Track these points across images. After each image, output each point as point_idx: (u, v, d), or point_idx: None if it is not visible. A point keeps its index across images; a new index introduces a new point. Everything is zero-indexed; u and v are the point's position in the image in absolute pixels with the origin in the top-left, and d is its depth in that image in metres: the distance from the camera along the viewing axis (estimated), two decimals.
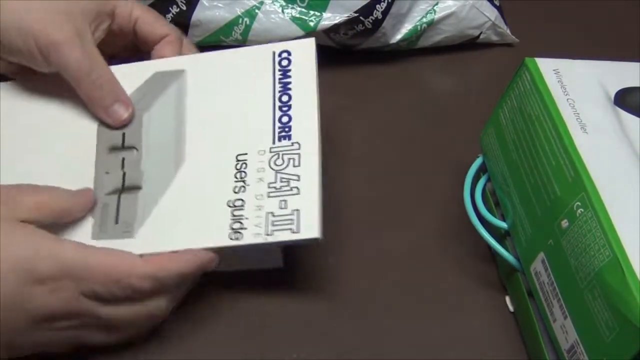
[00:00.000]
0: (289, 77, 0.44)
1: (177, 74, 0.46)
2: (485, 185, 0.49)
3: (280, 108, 0.43)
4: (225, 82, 0.46)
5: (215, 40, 0.58)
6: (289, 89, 0.44)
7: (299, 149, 0.42)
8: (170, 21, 0.56)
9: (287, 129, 0.42)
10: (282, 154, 0.42)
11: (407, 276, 0.47)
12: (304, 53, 0.45)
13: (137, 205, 0.41)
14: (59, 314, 0.36)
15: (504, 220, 0.46)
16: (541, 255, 0.40)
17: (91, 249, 0.37)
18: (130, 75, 0.46)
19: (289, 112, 0.43)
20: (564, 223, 0.38)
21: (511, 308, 0.46)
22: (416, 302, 0.46)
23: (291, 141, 0.42)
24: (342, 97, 0.60)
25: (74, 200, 0.40)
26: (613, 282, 0.34)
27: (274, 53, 0.46)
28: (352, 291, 0.46)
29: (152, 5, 0.56)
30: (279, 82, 0.44)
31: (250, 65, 0.46)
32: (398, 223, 0.50)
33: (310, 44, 0.46)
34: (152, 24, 0.47)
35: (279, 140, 0.42)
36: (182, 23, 0.57)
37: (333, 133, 0.57)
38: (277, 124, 0.43)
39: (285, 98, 0.44)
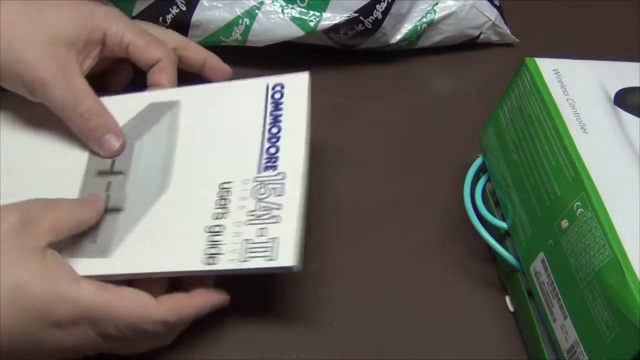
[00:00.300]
0: (281, 109, 0.45)
1: (172, 105, 0.47)
2: (485, 185, 0.49)
3: (269, 139, 0.44)
4: (218, 113, 0.46)
5: (216, 41, 0.58)
6: (280, 121, 0.44)
7: (283, 179, 0.42)
8: (171, 22, 0.56)
9: (273, 160, 0.43)
10: (266, 184, 0.42)
11: (407, 276, 0.47)
12: (298, 87, 0.45)
13: (117, 226, 0.42)
14: (71, 348, 0.37)
15: (503, 220, 0.46)
16: (541, 255, 0.40)
17: (109, 291, 0.37)
18: (124, 106, 0.46)
19: (277, 144, 0.43)
20: (564, 223, 0.38)
21: (511, 308, 0.46)
22: (416, 302, 0.46)
23: (276, 172, 0.42)
24: (342, 97, 0.60)
25: (85, 211, 0.40)
26: (613, 282, 0.34)
27: (267, 86, 0.46)
28: (352, 291, 0.46)
29: (152, 6, 0.56)
30: (270, 115, 0.44)
31: (243, 97, 0.46)
32: (398, 223, 0.50)
33: (304, 78, 0.46)
34: (144, 49, 0.46)
35: (265, 170, 0.42)
36: (182, 23, 0.57)
37: (333, 133, 0.57)
38: (264, 155, 0.43)
39: (274, 130, 0.44)
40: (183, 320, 0.39)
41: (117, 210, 0.42)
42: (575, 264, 0.37)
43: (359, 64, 0.63)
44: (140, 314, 0.37)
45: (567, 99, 0.42)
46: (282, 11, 0.56)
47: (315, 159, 0.54)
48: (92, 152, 0.45)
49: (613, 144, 0.40)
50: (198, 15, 0.56)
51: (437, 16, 0.62)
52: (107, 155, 0.44)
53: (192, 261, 0.40)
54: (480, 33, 0.65)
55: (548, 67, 0.44)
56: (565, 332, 0.38)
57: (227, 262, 0.40)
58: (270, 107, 0.45)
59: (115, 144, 0.44)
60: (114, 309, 0.36)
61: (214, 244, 0.40)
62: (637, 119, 0.42)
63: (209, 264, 0.40)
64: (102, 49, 0.45)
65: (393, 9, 0.59)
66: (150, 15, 0.56)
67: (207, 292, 0.40)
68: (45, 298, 0.35)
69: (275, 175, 0.42)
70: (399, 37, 0.61)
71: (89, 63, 0.44)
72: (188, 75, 0.52)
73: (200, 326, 0.43)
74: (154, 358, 0.41)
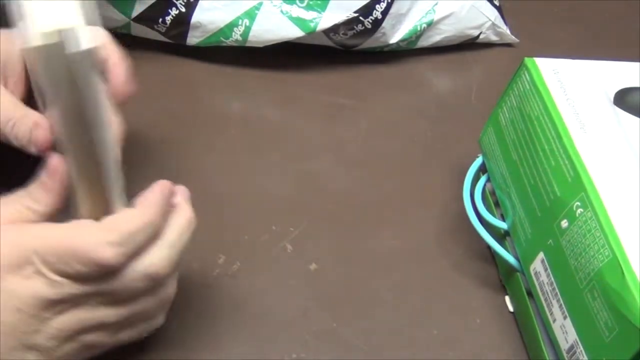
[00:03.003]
0: None
1: None
2: (485, 185, 0.49)
3: None
4: None
5: (216, 42, 0.58)
6: None
7: None
8: (170, 23, 0.56)
9: None
10: None
11: (407, 276, 0.47)
12: None
13: None
14: (46, 299, 0.34)
15: (503, 220, 0.46)
16: (541, 255, 0.40)
17: (53, 228, 0.35)
18: None
19: None
20: (564, 223, 0.38)
21: (511, 308, 0.46)
22: (416, 302, 0.46)
23: None
24: (342, 97, 0.60)
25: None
26: (612, 282, 0.34)
27: None
28: (352, 291, 0.46)
29: (151, 7, 0.56)
30: None
31: None
32: (398, 223, 0.50)
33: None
34: None
35: None
36: (182, 24, 0.57)
37: (333, 133, 0.57)
38: None
39: None
40: (133, 234, 0.35)
41: None
42: (575, 264, 0.37)
43: (359, 64, 0.63)
44: (81, 243, 0.34)
45: (567, 99, 0.42)
46: (282, 12, 0.56)
47: (316, 158, 0.55)
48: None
49: (612, 144, 0.40)
50: (198, 16, 0.56)
51: (436, 16, 0.62)
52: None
53: None
54: (480, 33, 0.65)
55: (548, 67, 0.44)
56: (565, 332, 0.38)
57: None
58: None
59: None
60: (53, 242, 0.34)
61: None
62: (636, 118, 0.42)
63: None
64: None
65: (393, 9, 0.59)
66: (150, 16, 0.56)
67: (146, 195, 0.37)
68: None
69: None
70: (398, 37, 0.61)
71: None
72: None
73: (200, 326, 0.43)
74: (152, 355, 0.41)
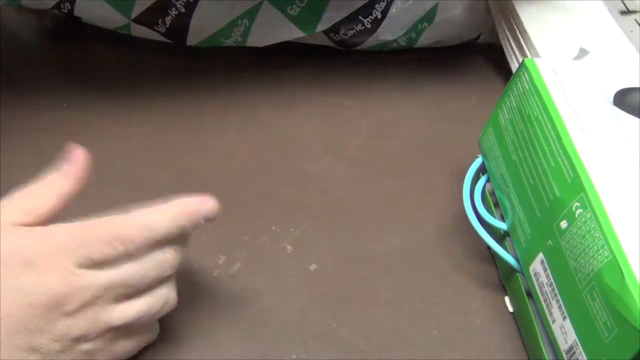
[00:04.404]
0: None
1: None
2: (484, 185, 0.49)
3: None
4: None
5: (215, 42, 0.58)
6: None
7: None
8: (169, 24, 0.56)
9: None
10: None
11: (407, 276, 0.47)
12: None
13: None
14: (62, 296, 0.34)
15: (503, 220, 0.46)
16: (540, 256, 0.40)
17: (76, 222, 0.36)
18: None
19: None
20: (563, 224, 0.38)
21: (510, 309, 0.46)
22: (416, 302, 0.46)
23: None
24: (342, 97, 0.60)
25: (55, 199, 0.38)
26: (612, 284, 0.34)
27: None
28: (352, 291, 0.46)
29: (150, 8, 0.56)
30: None
31: None
32: (398, 223, 0.50)
33: None
34: None
35: None
36: (181, 25, 0.57)
37: (333, 133, 0.57)
38: None
39: None
40: (162, 220, 0.37)
41: None
42: (575, 264, 0.37)
43: (359, 64, 0.63)
44: (108, 223, 0.36)
45: (566, 100, 0.42)
46: (282, 12, 0.56)
47: (316, 158, 0.55)
48: None
49: (612, 144, 0.40)
50: (197, 16, 0.56)
51: (436, 16, 0.62)
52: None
53: None
54: (480, 33, 0.65)
55: (547, 68, 0.44)
56: (565, 332, 0.38)
57: None
58: None
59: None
60: (76, 229, 0.35)
61: None
62: (636, 119, 0.42)
63: None
64: None
65: (392, 9, 0.59)
66: (150, 16, 0.56)
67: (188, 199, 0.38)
68: (8, 245, 0.34)
69: None
70: (398, 36, 0.61)
71: None
72: None
73: (199, 326, 0.43)
74: (152, 355, 0.41)
